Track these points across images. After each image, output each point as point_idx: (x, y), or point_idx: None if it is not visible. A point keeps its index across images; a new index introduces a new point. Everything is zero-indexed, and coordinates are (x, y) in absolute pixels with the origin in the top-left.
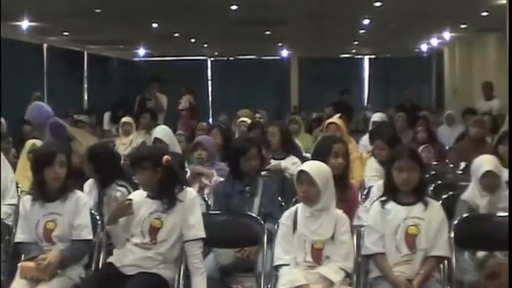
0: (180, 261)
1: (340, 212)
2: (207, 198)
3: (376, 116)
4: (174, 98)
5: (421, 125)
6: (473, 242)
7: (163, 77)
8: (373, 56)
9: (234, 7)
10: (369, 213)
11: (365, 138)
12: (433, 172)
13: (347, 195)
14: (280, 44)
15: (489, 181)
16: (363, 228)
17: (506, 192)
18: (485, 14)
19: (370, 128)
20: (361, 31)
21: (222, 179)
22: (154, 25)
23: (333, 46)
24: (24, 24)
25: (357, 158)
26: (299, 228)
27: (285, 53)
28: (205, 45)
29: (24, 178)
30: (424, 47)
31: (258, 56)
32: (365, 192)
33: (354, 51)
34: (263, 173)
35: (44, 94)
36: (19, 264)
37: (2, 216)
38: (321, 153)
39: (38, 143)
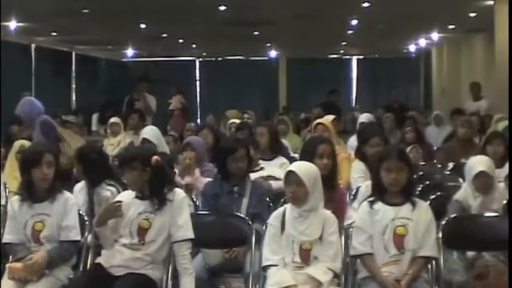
0: (168, 262)
1: (328, 212)
2: (195, 199)
3: (364, 117)
4: (163, 99)
5: (409, 125)
6: (461, 242)
7: (151, 78)
8: (361, 57)
9: (222, 8)
10: (357, 214)
11: (353, 139)
12: (421, 172)
13: (335, 195)
14: (268, 45)
15: (482, 182)
16: (351, 229)
17: (499, 194)
18: (473, 14)
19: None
20: (349, 32)
21: (210, 179)
22: (143, 26)
23: (321, 47)
24: (12, 24)
25: (344, 158)
26: (287, 228)
27: (273, 53)
28: (194, 46)
29: (13, 178)
30: (412, 48)
31: (246, 57)
32: (353, 192)
33: (342, 51)
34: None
35: (32, 94)
36: (7, 265)
37: None
38: (307, 154)
39: (26, 143)
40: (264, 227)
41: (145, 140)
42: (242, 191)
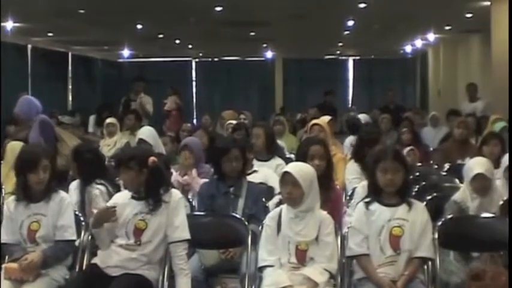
0: (164, 262)
1: (324, 213)
2: (191, 200)
3: (360, 117)
4: (159, 99)
5: (405, 126)
6: (458, 243)
7: (148, 78)
8: (357, 57)
9: (218, 8)
10: (353, 214)
11: (349, 140)
12: (417, 173)
13: (330, 196)
14: (264, 45)
15: (480, 184)
16: (347, 230)
17: (497, 196)
18: (469, 15)
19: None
20: (346, 32)
21: (206, 180)
22: (139, 26)
23: (318, 47)
24: (8, 25)
25: (340, 159)
26: (283, 229)
27: (269, 54)
28: (190, 46)
29: (9, 179)
30: (408, 48)
31: (243, 57)
32: (349, 193)
33: (338, 52)
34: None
35: (29, 95)
36: (3, 266)
37: None
38: (300, 156)
39: (18, 145)
40: (260, 227)
41: (141, 141)
42: (238, 192)
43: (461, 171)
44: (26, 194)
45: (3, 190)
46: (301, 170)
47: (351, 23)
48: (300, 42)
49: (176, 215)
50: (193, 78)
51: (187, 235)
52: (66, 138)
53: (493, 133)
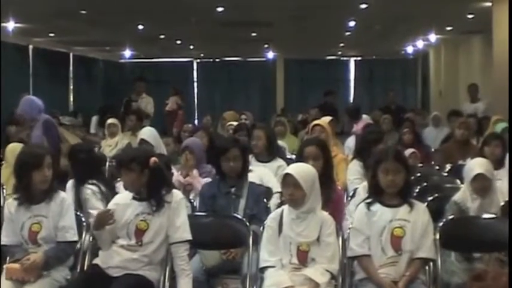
0: (165, 263)
1: (325, 214)
2: (192, 200)
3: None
4: (161, 99)
5: (406, 127)
6: (459, 244)
7: (149, 78)
8: (358, 58)
9: (220, 9)
10: (353, 216)
11: (350, 140)
12: (419, 174)
13: (332, 197)
14: (266, 46)
15: (480, 184)
16: (348, 230)
17: (498, 197)
18: (470, 16)
19: None
20: (347, 33)
21: (209, 180)
22: (140, 26)
23: (319, 48)
24: (10, 25)
25: (342, 160)
26: (285, 230)
27: (271, 54)
28: (191, 47)
29: (10, 180)
30: (409, 49)
31: (244, 58)
32: (351, 194)
33: (339, 52)
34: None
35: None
36: (4, 266)
37: None
38: (298, 157)
39: (19, 146)
40: (262, 228)
41: (143, 141)
42: (239, 192)
43: (462, 172)
44: (27, 195)
45: (4, 191)
46: (303, 171)
47: (352, 23)
48: (301, 43)
49: (177, 215)
50: (195, 79)
51: (188, 236)
52: (69, 138)
53: (494, 134)
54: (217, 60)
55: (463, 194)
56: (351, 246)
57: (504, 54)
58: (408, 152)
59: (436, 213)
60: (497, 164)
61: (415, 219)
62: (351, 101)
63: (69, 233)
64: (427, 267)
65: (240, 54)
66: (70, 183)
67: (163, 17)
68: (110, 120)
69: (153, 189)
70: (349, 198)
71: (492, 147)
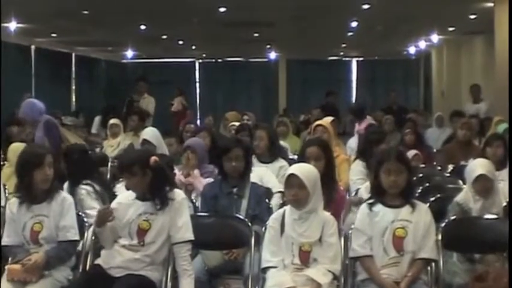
0: (167, 263)
1: (327, 214)
2: (194, 200)
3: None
4: (163, 100)
5: (408, 127)
6: (461, 245)
7: (151, 79)
8: (361, 59)
9: (222, 9)
10: (357, 216)
11: (352, 141)
12: (421, 174)
13: (333, 197)
14: (268, 46)
15: (482, 185)
16: (350, 231)
17: (499, 197)
18: (472, 16)
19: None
20: (349, 33)
21: (211, 180)
22: (142, 27)
23: (321, 48)
24: (12, 25)
25: (344, 160)
26: (287, 230)
27: (273, 55)
28: (193, 47)
29: (12, 180)
30: (412, 50)
31: (246, 58)
32: (353, 194)
33: (342, 53)
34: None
35: (32, 96)
36: (6, 267)
37: None
38: (300, 157)
39: (21, 145)
40: (264, 228)
41: (145, 141)
42: (241, 193)
43: (464, 173)
44: (29, 194)
45: (6, 191)
46: (306, 171)
47: (354, 24)
48: (304, 43)
49: (179, 215)
50: (197, 79)
51: (190, 236)
52: (71, 138)
53: (496, 134)
54: (219, 60)
55: (465, 195)
56: (353, 246)
57: (506, 55)
58: (411, 153)
59: (438, 213)
60: (499, 165)
61: (417, 220)
62: (353, 101)
63: (71, 232)
64: (429, 268)
65: (242, 54)
66: (66, 185)
67: (165, 17)
68: (112, 121)
69: (156, 188)
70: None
71: (494, 148)
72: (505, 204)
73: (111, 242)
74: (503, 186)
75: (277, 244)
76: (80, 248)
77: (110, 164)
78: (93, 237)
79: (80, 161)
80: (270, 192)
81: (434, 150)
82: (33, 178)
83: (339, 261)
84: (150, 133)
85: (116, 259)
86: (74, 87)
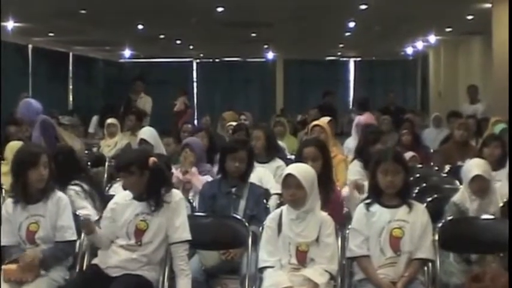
0: (164, 263)
1: (325, 214)
2: (191, 200)
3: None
4: (160, 99)
5: (406, 128)
6: (458, 245)
7: (149, 78)
8: (358, 59)
9: (219, 9)
10: (354, 216)
11: (349, 141)
12: (418, 175)
13: (330, 197)
14: (265, 46)
15: (478, 185)
16: (347, 231)
17: (496, 197)
18: (470, 17)
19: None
20: (347, 34)
21: (209, 178)
22: (140, 26)
23: (319, 48)
24: (9, 24)
25: (341, 160)
26: (284, 230)
27: (270, 55)
28: (191, 47)
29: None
30: (409, 50)
31: (244, 58)
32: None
33: (339, 53)
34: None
35: (29, 95)
36: (2, 267)
37: None
38: (297, 157)
39: (18, 144)
40: (261, 228)
41: (143, 141)
42: (240, 193)
43: (461, 173)
44: (24, 194)
45: (3, 190)
46: (304, 171)
47: (352, 24)
48: (301, 44)
49: (177, 215)
50: (194, 79)
51: (188, 236)
52: (67, 138)
53: (494, 135)
54: (217, 60)
55: (462, 195)
56: (350, 246)
57: (504, 56)
58: (408, 155)
59: (434, 214)
60: (497, 165)
61: (414, 220)
62: (351, 101)
63: (68, 232)
64: (425, 268)
65: (240, 54)
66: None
67: (163, 17)
68: (109, 120)
69: (153, 189)
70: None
71: (491, 149)
72: (501, 204)
73: (107, 245)
74: (500, 186)
75: (274, 244)
76: (76, 247)
77: (107, 163)
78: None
79: (66, 162)
80: (268, 193)
81: (431, 151)
82: (28, 178)
83: (336, 261)
84: (147, 133)
85: (113, 259)
86: (71, 87)
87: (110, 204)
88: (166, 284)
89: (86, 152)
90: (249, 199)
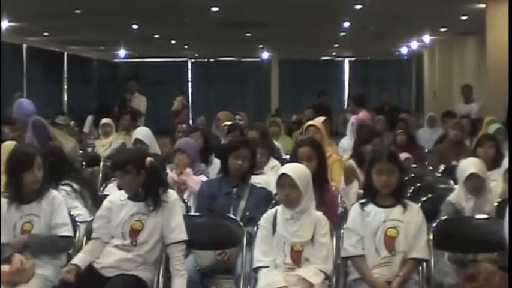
0: (159, 263)
1: (319, 214)
2: (186, 200)
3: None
4: (155, 99)
5: (400, 127)
6: (452, 245)
7: (143, 78)
8: (353, 59)
9: (214, 9)
10: (348, 215)
11: (344, 141)
12: (412, 174)
13: (325, 197)
14: (260, 46)
15: (473, 183)
16: (342, 231)
17: (492, 196)
18: (464, 17)
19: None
20: (342, 34)
21: (204, 178)
22: (135, 26)
23: (314, 48)
24: (4, 24)
25: (336, 160)
26: (278, 230)
27: (265, 55)
28: (186, 47)
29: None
30: (404, 50)
31: (239, 58)
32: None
33: (334, 53)
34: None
35: (23, 95)
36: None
37: None
38: (292, 157)
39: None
40: (256, 228)
41: (137, 141)
42: (241, 193)
43: (456, 173)
44: (18, 194)
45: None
46: (298, 171)
47: (346, 24)
48: (296, 43)
49: (173, 216)
50: (189, 79)
51: (184, 236)
52: (61, 138)
53: (488, 135)
54: (211, 60)
55: (458, 194)
56: (344, 246)
57: (498, 56)
58: (403, 156)
59: (429, 213)
60: (491, 165)
61: (409, 220)
62: (346, 101)
63: (62, 229)
64: (420, 268)
65: (235, 54)
66: None
67: (157, 16)
68: (103, 120)
69: (150, 189)
70: (343, 199)
71: (485, 148)
72: (496, 204)
73: (100, 251)
74: (494, 186)
75: (269, 244)
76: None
77: (101, 163)
78: (84, 237)
79: (56, 163)
80: (272, 196)
81: (426, 150)
82: (23, 179)
83: (331, 261)
84: (142, 132)
85: (108, 259)
86: (65, 87)
87: (105, 203)
88: (161, 284)
89: (81, 151)
90: (249, 200)
